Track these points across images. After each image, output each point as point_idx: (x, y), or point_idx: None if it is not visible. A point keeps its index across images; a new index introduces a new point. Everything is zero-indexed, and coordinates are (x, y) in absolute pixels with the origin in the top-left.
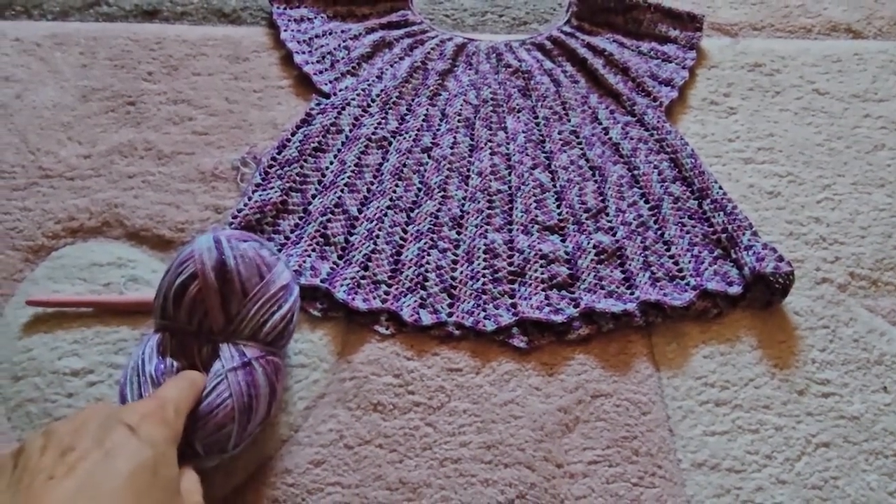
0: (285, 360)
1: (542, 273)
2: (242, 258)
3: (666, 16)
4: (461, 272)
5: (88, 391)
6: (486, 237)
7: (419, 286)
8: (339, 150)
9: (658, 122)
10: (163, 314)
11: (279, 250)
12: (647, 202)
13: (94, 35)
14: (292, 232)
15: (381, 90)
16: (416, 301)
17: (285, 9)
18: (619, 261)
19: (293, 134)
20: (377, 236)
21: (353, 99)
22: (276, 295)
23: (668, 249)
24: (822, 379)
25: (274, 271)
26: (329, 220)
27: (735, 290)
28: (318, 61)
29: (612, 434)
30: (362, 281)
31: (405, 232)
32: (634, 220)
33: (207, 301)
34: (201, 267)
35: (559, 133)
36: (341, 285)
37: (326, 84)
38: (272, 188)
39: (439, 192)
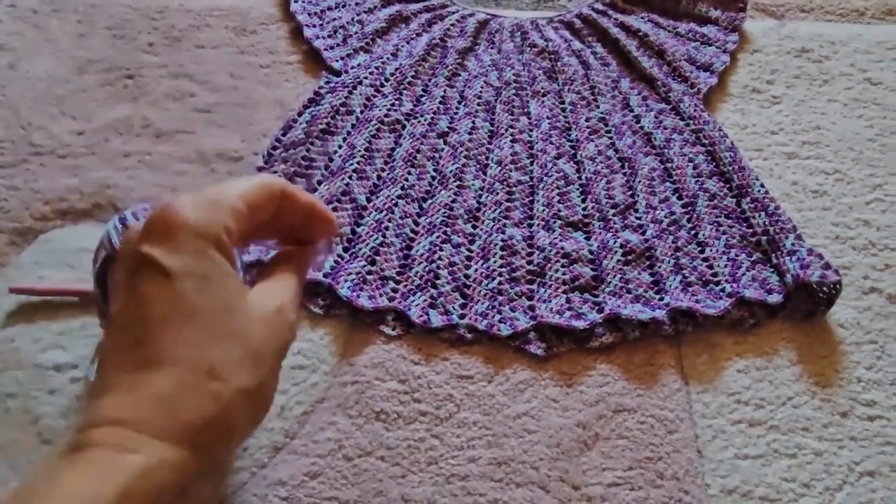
0: None
1: (564, 273)
2: None
3: None
4: (476, 270)
5: (71, 388)
6: (503, 232)
7: (430, 284)
8: (348, 133)
9: (695, 110)
10: (99, 311)
11: None
12: (680, 198)
13: (93, 2)
14: None
15: (396, 69)
16: (425, 300)
17: None
18: (647, 262)
19: (300, 114)
20: (386, 228)
21: (366, 78)
22: None
23: (702, 251)
24: (867, 400)
25: None
26: (335, 209)
27: (775, 298)
28: (329, 36)
29: (635, 454)
30: (368, 277)
31: (416, 224)
32: (666, 217)
33: None
34: (110, 247)
35: (587, 120)
36: (346, 281)
37: (337, 61)
38: (275, 172)
39: (455, 181)
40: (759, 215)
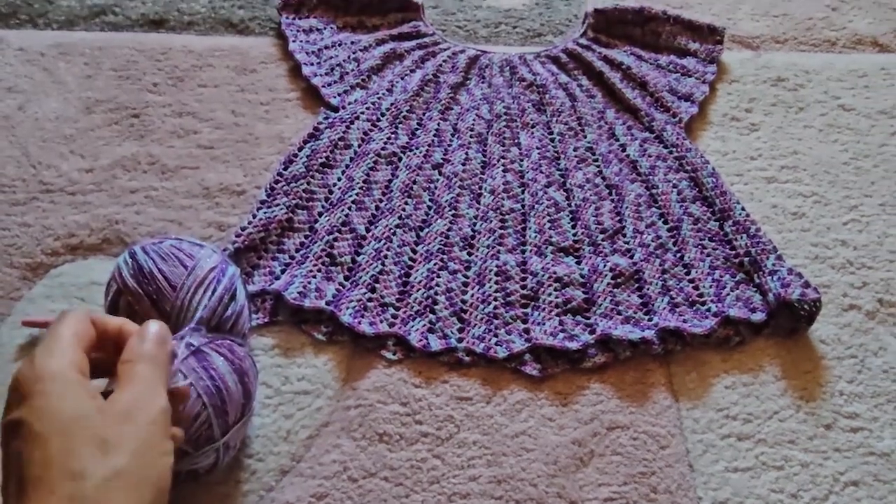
0: (249, 347)
1: (557, 297)
2: (160, 257)
3: (685, 28)
4: (472, 295)
5: None
6: (498, 258)
7: (428, 309)
8: (347, 166)
9: (677, 138)
10: None
11: (283, 271)
12: (665, 223)
13: (99, 45)
14: (297, 251)
15: (392, 104)
16: (424, 325)
17: (294, 19)
18: (636, 284)
19: (300, 149)
20: (385, 256)
21: (363, 113)
22: (206, 278)
23: (688, 273)
24: (850, 412)
25: (197, 258)
26: (335, 239)
27: (758, 316)
28: (326, 73)
29: (629, 469)
30: (369, 303)
31: (414, 252)
32: (653, 241)
33: (138, 308)
34: (121, 280)
35: (574, 150)
36: (347, 308)
37: (335, 97)
38: (278, 205)
39: (450, 210)
40: (741, 237)
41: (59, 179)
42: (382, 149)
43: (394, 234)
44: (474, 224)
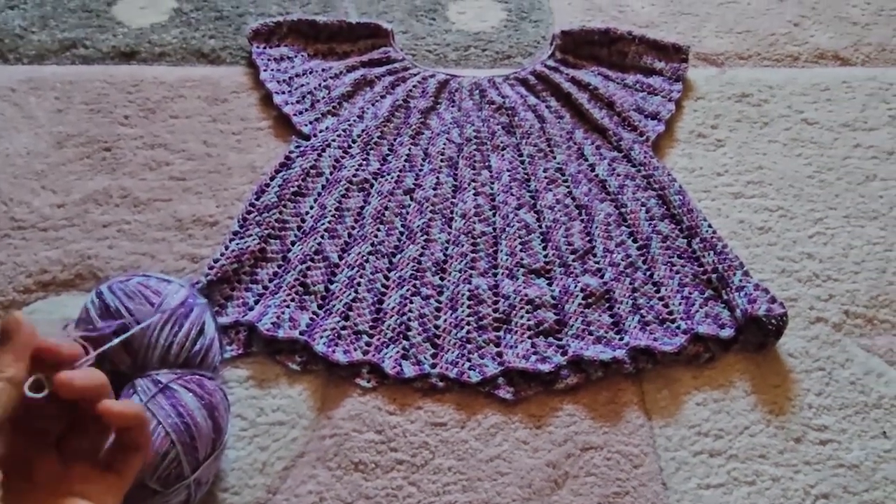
0: (222, 379)
1: (528, 319)
2: (127, 295)
3: (651, 47)
4: (445, 320)
5: None
6: (470, 282)
7: (401, 336)
8: (319, 194)
9: (645, 157)
10: None
11: (256, 302)
12: (635, 241)
13: (70, 79)
14: (271, 281)
15: (363, 130)
16: (398, 352)
17: (265, 48)
18: (607, 304)
19: (272, 178)
20: (358, 284)
21: (334, 140)
22: (173, 314)
23: (658, 291)
24: (819, 425)
25: (164, 294)
26: (309, 268)
27: (727, 332)
28: (297, 101)
29: (604, 490)
30: (343, 332)
31: (387, 279)
32: (622, 260)
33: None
34: (88, 320)
35: (544, 171)
36: (321, 337)
37: (306, 125)
38: (250, 236)
39: (422, 235)
40: (709, 254)
41: (31, 215)
42: (354, 176)
43: (366, 261)
44: (446, 248)
